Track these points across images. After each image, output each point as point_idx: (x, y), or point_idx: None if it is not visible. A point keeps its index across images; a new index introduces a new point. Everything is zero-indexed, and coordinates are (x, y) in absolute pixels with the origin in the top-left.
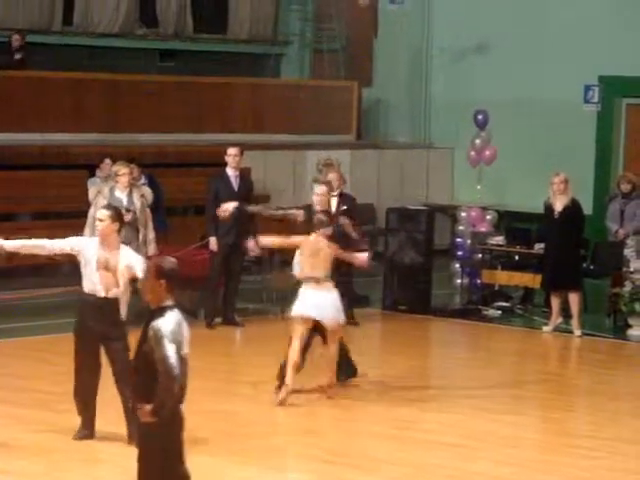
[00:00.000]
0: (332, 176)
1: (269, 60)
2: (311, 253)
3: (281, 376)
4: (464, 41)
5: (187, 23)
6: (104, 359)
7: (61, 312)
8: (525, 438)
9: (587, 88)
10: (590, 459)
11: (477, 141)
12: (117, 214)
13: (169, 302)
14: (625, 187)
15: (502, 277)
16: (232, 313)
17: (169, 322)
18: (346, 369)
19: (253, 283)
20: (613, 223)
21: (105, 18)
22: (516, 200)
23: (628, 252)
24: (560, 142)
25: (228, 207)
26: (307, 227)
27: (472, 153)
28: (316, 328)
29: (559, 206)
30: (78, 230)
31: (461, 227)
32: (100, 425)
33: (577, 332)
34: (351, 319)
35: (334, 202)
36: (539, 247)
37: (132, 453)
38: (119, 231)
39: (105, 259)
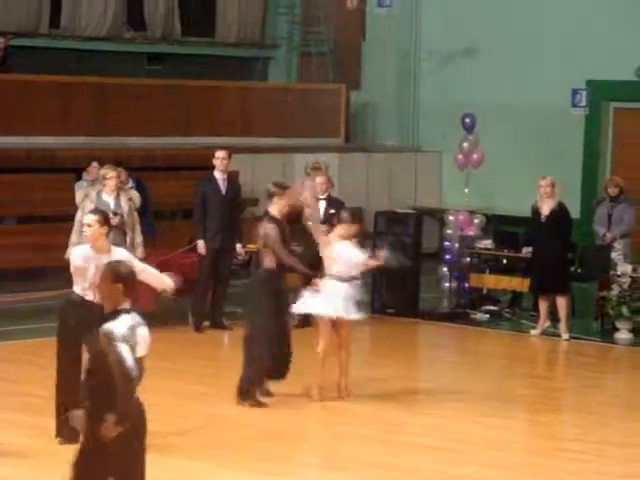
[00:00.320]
0: (320, 179)
1: (257, 63)
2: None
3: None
4: (452, 45)
5: (175, 26)
6: None
7: (52, 315)
8: (512, 441)
9: (575, 92)
10: (578, 462)
11: (465, 144)
12: (104, 218)
13: (125, 305)
14: (612, 191)
15: (490, 281)
16: (220, 317)
17: (121, 325)
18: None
19: (241, 287)
20: (600, 227)
21: (93, 21)
22: (504, 204)
23: (615, 256)
24: (548, 146)
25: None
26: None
27: (460, 156)
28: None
29: (546, 210)
30: (65, 235)
31: (449, 231)
32: None
33: (565, 335)
34: None
35: (322, 206)
36: (527, 251)
37: None
38: (107, 235)
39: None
